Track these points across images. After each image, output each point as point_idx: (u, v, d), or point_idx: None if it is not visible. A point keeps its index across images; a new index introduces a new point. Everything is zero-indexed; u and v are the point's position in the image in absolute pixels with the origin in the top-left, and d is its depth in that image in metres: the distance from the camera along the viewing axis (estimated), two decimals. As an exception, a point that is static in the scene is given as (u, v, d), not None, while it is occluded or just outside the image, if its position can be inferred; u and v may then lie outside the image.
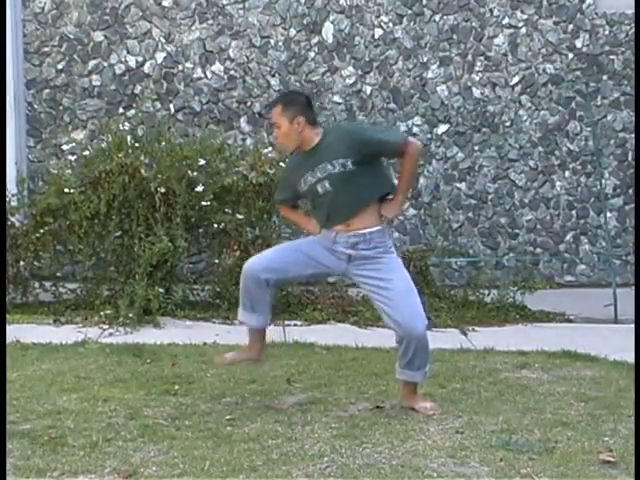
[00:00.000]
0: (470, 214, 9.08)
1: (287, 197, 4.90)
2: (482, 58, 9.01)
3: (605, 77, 9.03)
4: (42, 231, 7.38)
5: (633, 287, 7.77)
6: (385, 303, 4.54)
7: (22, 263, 7.47)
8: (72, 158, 7.94)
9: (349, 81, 8.94)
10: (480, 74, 9.02)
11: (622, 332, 6.59)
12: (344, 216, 4.55)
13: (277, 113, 4.59)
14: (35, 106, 8.86)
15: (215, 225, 7.43)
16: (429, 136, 9.02)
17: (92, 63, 8.85)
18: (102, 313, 7.00)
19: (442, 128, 9.04)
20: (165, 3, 8.84)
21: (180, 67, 8.88)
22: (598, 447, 4.11)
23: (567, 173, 9.13)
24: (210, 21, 8.87)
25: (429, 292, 7.75)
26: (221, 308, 7.28)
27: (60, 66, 8.85)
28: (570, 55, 9.02)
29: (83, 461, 3.88)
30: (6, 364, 4.63)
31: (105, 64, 8.86)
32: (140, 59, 8.86)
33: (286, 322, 7.07)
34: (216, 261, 7.68)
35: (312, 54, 8.91)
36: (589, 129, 8.97)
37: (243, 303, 4.69)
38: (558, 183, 9.13)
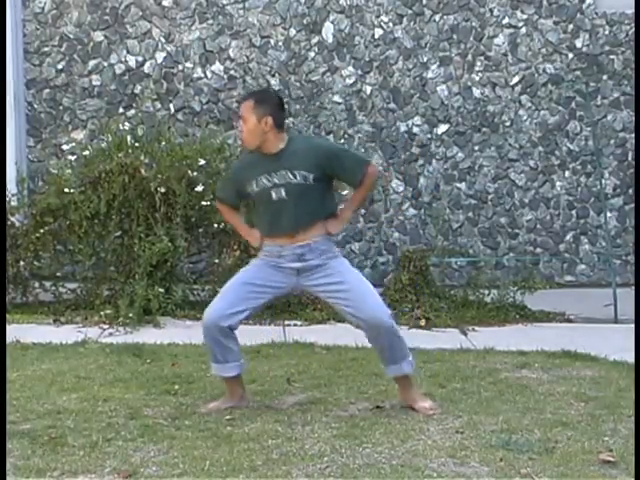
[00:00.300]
0: (470, 214, 9.08)
1: (229, 195, 4.84)
2: (482, 58, 9.00)
3: (605, 77, 9.02)
4: (42, 231, 7.38)
5: (633, 287, 7.77)
6: (346, 305, 4.55)
7: (22, 263, 7.48)
8: (72, 158, 7.94)
9: (349, 81, 8.94)
10: (480, 74, 9.02)
11: (622, 332, 6.59)
12: (290, 227, 4.53)
13: (247, 108, 4.53)
14: (35, 106, 8.86)
15: (215, 225, 7.42)
16: (429, 136, 9.02)
17: (92, 63, 8.85)
18: (102, 313, 7.00)
19: (442, 128, 9.03)
20: (165, 3, 8.84)
21: (180, 67, 8.88)
22: (598, 447, 4.11)
23: (567, 173, 9.12)
24: (210, 21, 8.87)
25: (429, 292, 7.76)
26: (221, 308, 7.26)
27: (60, 66, 8.85)
28: (570, 55, 9.02)
29: (83, 461, 3.88)
30: (6, 364, 4.62)
31: (105, 64, 8.85)
32: (140, 59, 8.86)
33: (286, 322, 7.08)
34: (216, 261, 7.68)
35: (312, 54, 8.91)
36: (589, 129, 8.97)
37: (214, 357, 4.68)
38: (558, 183, 9.13)
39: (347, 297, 4.53)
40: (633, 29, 8.86)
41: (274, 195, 4.51)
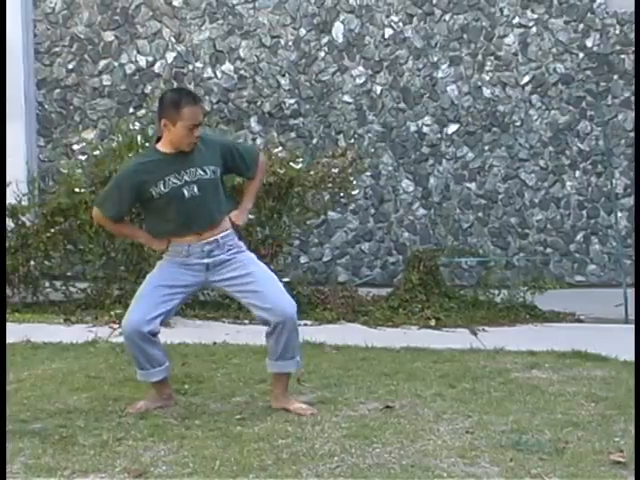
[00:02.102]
0: (480, 214, 9.07)
1: (120, 210, 4.61)
2: (492, 58, 8.99)
3: (616, 76, 9.00)
4: (53, 231, 7.39)
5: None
6: (253, 297, 4.55)
7: (33, 262, 7.49)
8: (82, 158, 7.95)
9: (359, 81, 8.94)
10: (490, 74, 9.01)
11: (633, 332, 6.55)
12: (205, 222, 4.51)
13: (203, 112, 4.63)
14: (46, 106, 8.88)
15: (225, 225, 7.42)
16: (439, 136, 9.01)
17: (102, 63, 8.87)
18: (112, 312, 7.01)
19: (452, 128, 9.03)
20: (175, 3, 8.85)
21: (190, 67, 8.90)
22: (609, 447, 4.10)
23: (577, 173, 9.10)
24: (220, 21, 8.88)
25: (439, 292, 7.75)
26: (231, 308, 7.27)
27: (71, 66, 8.87)
28: (581, 54, 9.00)
29: (94, 460, 3.88)
30: (6, 364, 4.62)
31: (115, 64, 8.87)
32: (150, 59, 8.88)
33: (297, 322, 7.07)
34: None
35: (322, 54, 8.91)
36: (600, 129, 8.94)
37: (138, 364, 4.62)
38: (568, 183, 9.11)
39: (254, 289, 4.53)
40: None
41: (186, 193, 4.45)
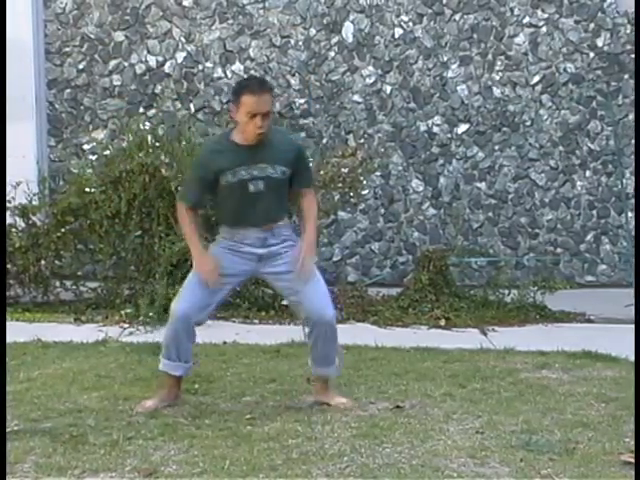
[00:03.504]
0: (490, 214, 9.05)
1: (199, 197, 4.69)
2: (502, 57, 8.98)
3: (626, 76, 8.97)
4: (63, 230, 7.41)
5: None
6: (296, 295, 4.57)
7: (43, 262, 7.51)
8: (93, 157, 7.98)
9: (369, 80, 8.94)
10: (500, 73, 8.99)
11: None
12: (261, 219, 4.51)
13: (270, 101, 4.47)
14: (56, 106, 8.90)
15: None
16: (449, 135, 9.00)
17: (113, 63, 8.88)
18: (122, 312, 7.03)
19: (462, 127, 9.01)
20: (185, 3, 8.86)
21: (200, 67, 8.90)
22: (619, 448, 4.09)
23: (588, 173, 9.08)
24: (230, 21, 8.89)
25: (449, 292, 7.74)
26: (241, 307, 7.29)
27: (81, 66, 8.88)
28: (591, 54, 8.98)
29: (104, 459, 3.89)
30: (6, 364, 4.63)
31: (126, 64, 8.89)
32: (160, 59, 8.89)
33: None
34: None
35: (332, 54, 8.91)
36: (610, 128, 8.92)
37: (168, 354, 4.60)
38: (579, 183, 9.09)
39: (299, 288, 4.53)
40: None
41: (252, 187, 4.45)
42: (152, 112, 8.81)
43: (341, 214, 8.77)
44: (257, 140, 4.43)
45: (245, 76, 8.81)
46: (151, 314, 6.84)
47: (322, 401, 4.75)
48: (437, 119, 9.00)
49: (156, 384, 4.97)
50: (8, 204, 7.38)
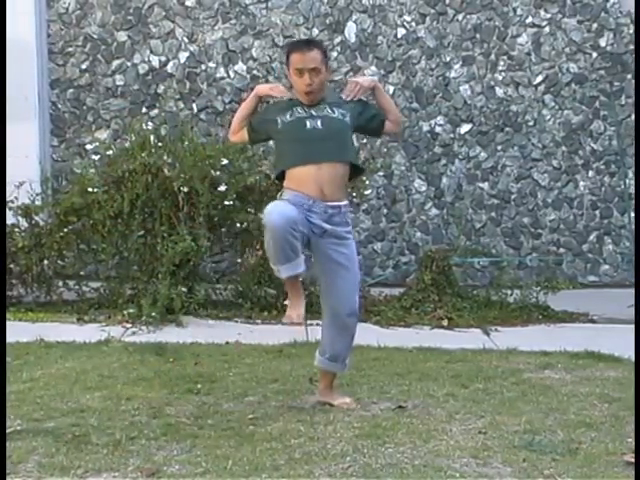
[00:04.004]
0: (493, 214, 9.05)
1: (260, 137, 4.82)
2: (505, 57, 8.98)
3: (629, 76, 8.97)
4: (66, 230, 7.41)
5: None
6: (329, 285, 4.53)
7: (46, 262, 7.51)
8: (95, 157, 7.97)
9: (372, 80, 8.92)
10: (503, 73, 8.99)
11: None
12: (322, 156, 4.39)
13: (319, 58, 4.46)
14: (59, 106, 8.91)
15: (238, 224, 7.44)
16: (452, 136, 9.00)
17: (115, 63, 8.89)
18: (125, 312, 7.03)
19: (465, 128, 9.02)
20: (188, 3, 8.87)
21: (203, 67, 8.91)
22: (622, 448, 4.08)
23: (591, 173, 9.08)
24: (233, 21, 8.89)
25: (451, 292, 7.73)
26: (244, 307, 7.30)
27: (84, 66, 8.90)
28: (594, 54, 8.98)
29: (106, 459, 3.89)
30: (6, 364, 4.63)
31: (128, 64, 8.89)
32: (163, 59, 8.89)
33: (308, 321, 7.07)
34: (239, 260, 7.70)
35: (335, 54, 8.91)
36: (613, 128, 8.92)
37: (285, 255, 4.26)
38: (582, 183, 9.09)
39: (335, 281, 4.51)
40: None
41: (308, 124, 4.45)
42: (155, 112, 8.83)
43: (344, 214, 8.76)
44: (309, 99, 4.47)
45: (248, 76, 8.86)
46: (153, 314, 6.84)
47: (325, 401, 4.74)
48: (440, 119, 9.00)
49: (159, 384, 4.98)
50: (11, 204, 7.38)
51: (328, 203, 4.44)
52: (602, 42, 8.97)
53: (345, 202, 4.56)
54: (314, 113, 4.47)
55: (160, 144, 7.64)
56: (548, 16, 8.96)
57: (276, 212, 4.26)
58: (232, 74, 8.91)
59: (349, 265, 4.54)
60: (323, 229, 4.45)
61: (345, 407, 4.66)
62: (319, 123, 4.45)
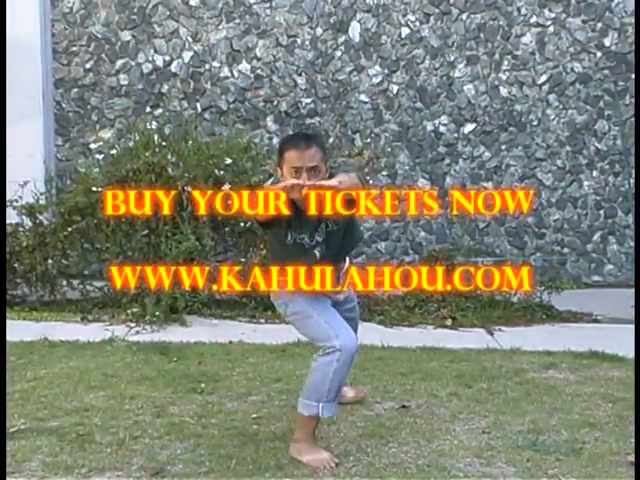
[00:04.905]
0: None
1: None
2: (509, 57, 8.97)
3: (634, 76, 8.95)
4: (70, 229, 7.41)
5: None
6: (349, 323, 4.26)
7: (50, 261, 7.51)
8: (100, 157, 7.99)
9: (376, 80, 8.93)
10: (507, 73, 8.98)
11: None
12: (328, 263, 4.06)
13: (319, 156, 3.83)
14: (63, 105, 8.91)
15: (241, 224, 7.43)
16: (456, 135, 9.00)
17: (120, 62, 8.90)
18: (129, 311, 7.03)
19: (469, 127, 9.01)
20: (192, 2, 8.87)
21: (207, 66, 8.91)
22: (626, 448, 4.09)
23: (595, 172, 9.07)
24: (237, 20, 8.89)
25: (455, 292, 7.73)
26: (247, 307, 7.29)
27: (88, 65, 8.90)
28: (598, 54, 8.97)
29: (110, 458, 3.90)
30: (6, 364, 4.63)
31: (132, 63, 8.90)
32: (167, 58, 8.90)
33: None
34: (242, 260, 7.69)
35: (339, 53, 8.91)
36: (617, 128, 8.91)
37: (329, 396, 3.93)
38: (586, 182, 9.08)
39: (352, 317, 4.38)
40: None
41: (318, 254, 4.02)
42: (159, 111, 8.83)
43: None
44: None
45: (252, 76, 8.86)
46: (157, 313, 6.84)
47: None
48: (444, 119, 8.99)
49: (163, 384, 4.98)
50: (15, 203, 7.39)
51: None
52: (606, 42, 8.96)
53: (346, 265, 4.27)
54: (319, 239, 3.99)
55: (164, 143, 7.64)
56: (552, 16, 8.94)
57: (348, 334, 3.95)
58: (236, 73, 8.91)
59: (354, 304, 4.49)
60: (337, 300, 4.24)
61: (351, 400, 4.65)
62: (325, 248, 4.01)
